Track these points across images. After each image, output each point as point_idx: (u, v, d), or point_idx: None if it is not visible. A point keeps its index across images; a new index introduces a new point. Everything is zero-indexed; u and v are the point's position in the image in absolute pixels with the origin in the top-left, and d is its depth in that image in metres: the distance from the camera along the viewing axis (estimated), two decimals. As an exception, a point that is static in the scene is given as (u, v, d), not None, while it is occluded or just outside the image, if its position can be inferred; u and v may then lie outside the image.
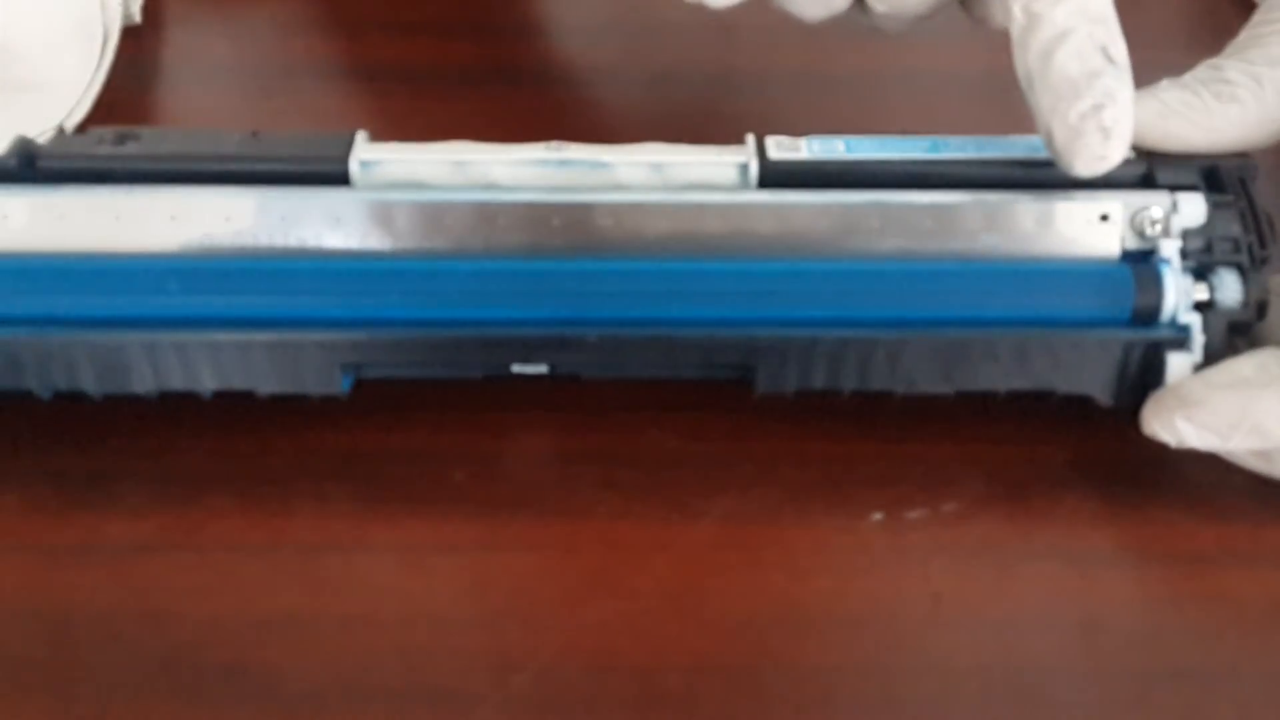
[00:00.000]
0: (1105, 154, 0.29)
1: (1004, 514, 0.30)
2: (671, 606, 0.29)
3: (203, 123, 0.43)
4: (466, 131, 0.33)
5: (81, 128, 0.40)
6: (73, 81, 0.41)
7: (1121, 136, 0.29)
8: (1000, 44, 0.48)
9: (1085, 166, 0.29)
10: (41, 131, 0.40)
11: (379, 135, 0.33)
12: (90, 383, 0.31)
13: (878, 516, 0.30)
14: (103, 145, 0.32)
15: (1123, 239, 0.31)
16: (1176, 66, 0.33)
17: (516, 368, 0.32)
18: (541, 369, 0.32)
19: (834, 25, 0.36)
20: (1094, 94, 0.28)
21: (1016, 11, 0.29)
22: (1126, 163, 0.32)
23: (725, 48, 0.47)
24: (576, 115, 0.44)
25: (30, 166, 0.31)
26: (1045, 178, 0.32)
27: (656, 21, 0.48)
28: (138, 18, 0.45)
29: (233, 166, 0.31)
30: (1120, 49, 0.29)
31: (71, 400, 0.31)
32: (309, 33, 0.46)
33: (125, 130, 0.32)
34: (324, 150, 0.32)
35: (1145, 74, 0.45)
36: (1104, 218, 0.31)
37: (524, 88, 0.44)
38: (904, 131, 0.33)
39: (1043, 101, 0.29)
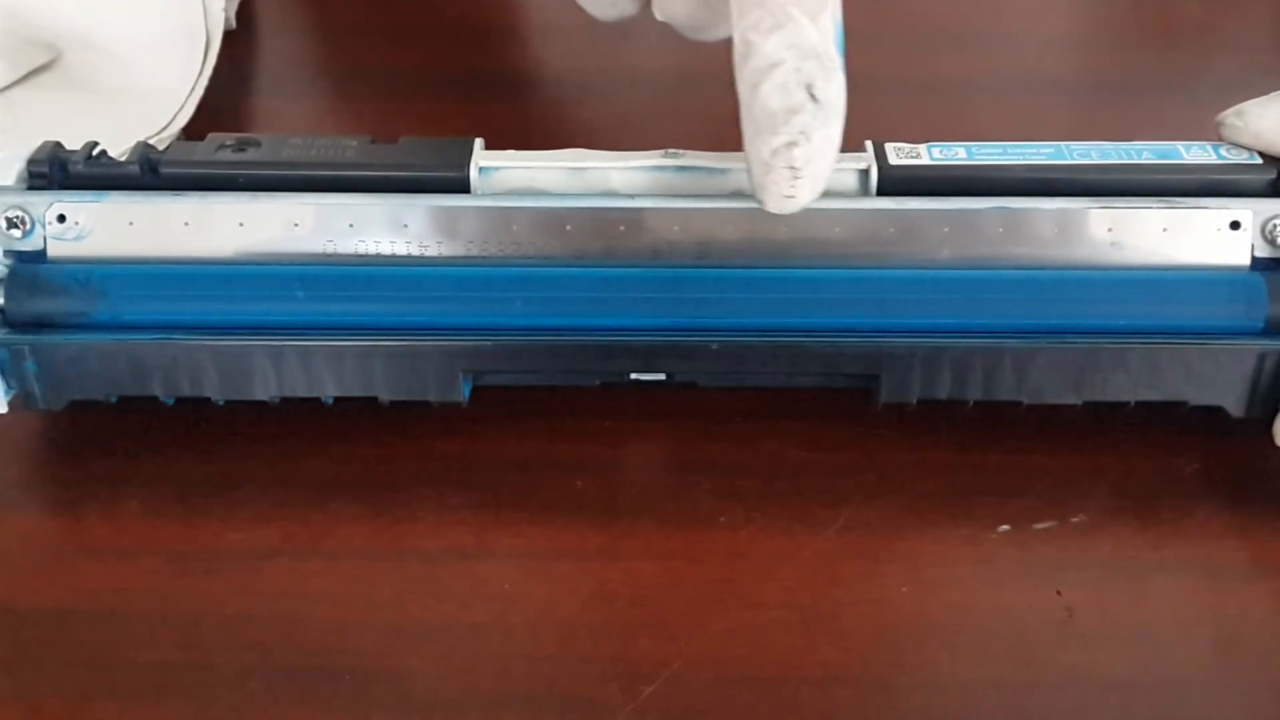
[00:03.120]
0: (793, 193, 0.28)
1: (1134, 526, 0.30)
2: (799, 617, 0.28)
3: (301, 127, 0.43)
4: (584, 138, 0.33)
5: (189, 133, 0.41)
6: (176, 87, 0.42)
7: (812, 178, 0.28)
8: (1082, 48, 0.48)
9: (774, 204, 0.28)
10: (151, 136, 0.40)
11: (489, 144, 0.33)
12: (214, 388, 0.31)
13: (1004, 528, 0.30)
14: (223, 152, 0.32)
15: (1253, 247, 0.31)
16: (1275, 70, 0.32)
17: (634, 375, 0.32)
18: (659, 377, 0.32)
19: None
20: (789, 131, 0.27)
21: (735, 37, 0.28)
22: (1256, 169, 0.31)
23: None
24: (655, 122, 0.44)
25: (153, 173, 0.32)
26: (1172, 184, 0.31)
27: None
28: (233, 23, 0.45)
29: (353, 173, 0.32)
30: (830, 88, 0.27)
31: (192, 406, 0.31)
32: (398, 38, 0.46)
33: (245, 137, 0.33)
34: (443, 157, 0.32)
35: (1247, 79, 0.45)
36: (1234, 225, 0.31)
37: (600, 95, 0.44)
38: (990, 137, 0.32)
39: (746, 132, 0.28)
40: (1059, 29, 0.48)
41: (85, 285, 0.31)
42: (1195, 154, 0.32)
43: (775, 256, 0.31)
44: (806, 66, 0.27)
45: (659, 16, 0.32)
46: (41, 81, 0.43)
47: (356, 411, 0.32)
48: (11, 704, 0.27)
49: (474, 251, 0.31)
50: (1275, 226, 0.30)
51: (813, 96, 0.27)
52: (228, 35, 0.44)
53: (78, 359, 0.31)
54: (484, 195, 0.32)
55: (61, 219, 0.31)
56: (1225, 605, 0.29)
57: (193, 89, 0.42)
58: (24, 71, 0.42)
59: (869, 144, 0.32)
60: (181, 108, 0.41)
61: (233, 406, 0.31)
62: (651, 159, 0.32)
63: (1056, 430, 0.32)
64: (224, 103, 0.42)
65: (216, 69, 0.42)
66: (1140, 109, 0.43)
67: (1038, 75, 0.45)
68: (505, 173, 0.32)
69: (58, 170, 0.32)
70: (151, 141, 0.33)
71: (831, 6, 0.28)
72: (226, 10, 0.44)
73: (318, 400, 0.31)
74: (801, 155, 0.27)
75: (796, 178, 0.27)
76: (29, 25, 0.41)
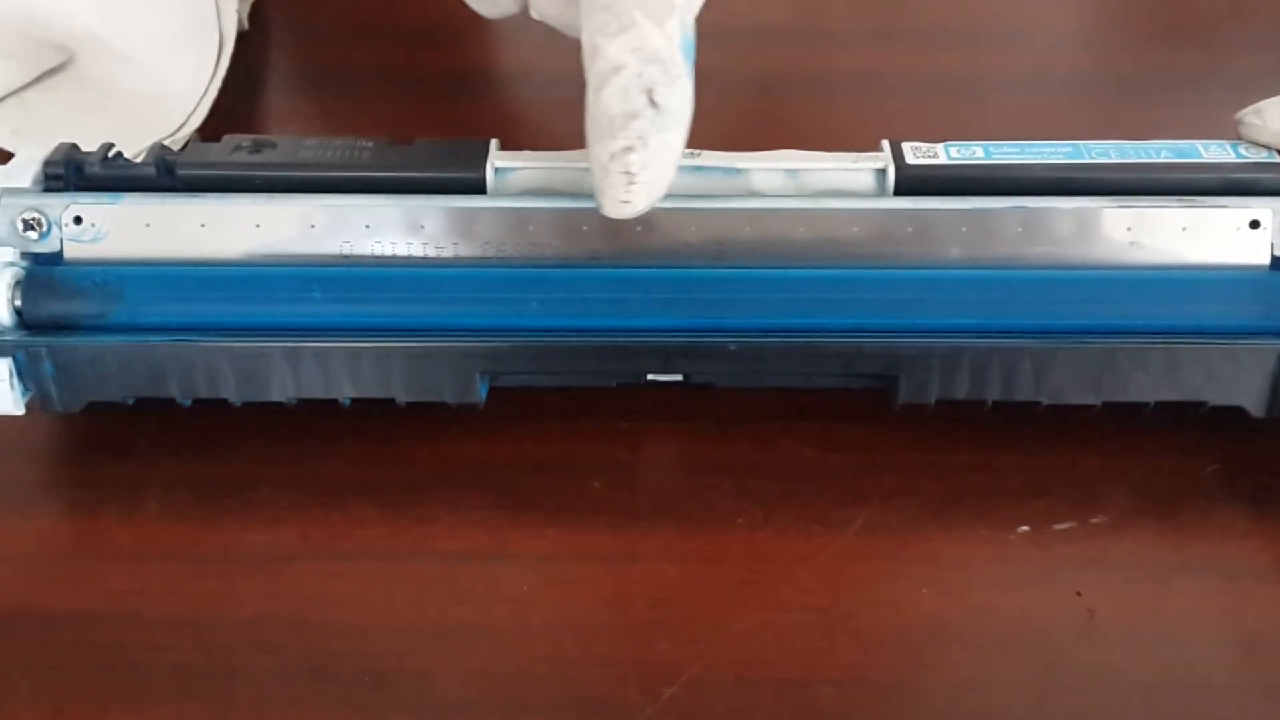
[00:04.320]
0: (629, 198, 0.27)
1: (1154, 527, 0.30)
2: (819, 619, 0.28)
3: (313, 129, 0.43)
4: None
5: (202, 135, 0.41)
6: (189, 88, 0.42)
7: (647, 184, 0.27)
8: (1097, 45, 0.48)
9: (610, 208, 0.28)
10: (164, 138, 0.40)
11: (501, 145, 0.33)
12: (231, 390, 0.31)
13: (1024, 529, 0.30)
14: (239, 154, 0.32)
15: (1273, 246, 0.31)
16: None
17: (652, 376, 0.32)
18: (676, 378, 0.32)
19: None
20: (626, 135, 0.27)
21: (584, 40, 0.28)
22: (1275, 168, 0.31)
23: (815, 52, 0.46)
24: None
25: (170, 174, 0.32)
26: (1191, 183, 0.31)
27: (760, 25, 0.48)
28: (245, 24, 0.45)
29: (369, 174, 0.31)
30: (674, 94, 0.27)
31: (209, 408, 0.31)
32: (411, 40, 0.46)
33: (261, 139, 0.33)
34: (459, 158, 0.32)
35: (1264, 77, 0.45)
36: (1254, 224, 0.30)
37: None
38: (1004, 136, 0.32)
39: (588, 135, 0.28)
40: (1073, 27, 0.48)
41: (102, 287, 0.31)
42: (1214, 153, 0.32)
43: (793, 257, 0.31)
44: (649, 71, 0.27)
45: (534, 15, 0.32)
46: (55, 83, 0.42)
47: (373, 413, 0.32)
48: (32, 706, 0.27)
49: (490, 252, 0.31)
50: (1296, 226, 0.30)
51: (653, 102, 0.27)
52: (240, 37, 0.44)
53: (95, 361, 0.31)
54: (500, 196, 0.32)
55: (78, 221, 0.31)
56: (1246, 606, 0.28)
57: (206, 90, 0.42)
58: (37, 73, 0.42)
59: (886, 143, 0.32)
60: (195, 109, 0.41)
61: (249, 408, 0.31)
62: (668, 159, 0.32)
63: (1075, 431, 0.32)
64: (237, 104, 0.42)
65: (229, 70, 0.42)
66: (1156, 107, 0.43)
67: (1052, 73, 0.45)
68: (521, 173, 0.32)
69: (74, 172, 0.32)
70: (166, 143, 0.33)
71: (680, 12, 0.27)
72: (239, 12, 0.44)
73: (335, 402, 0.31)
74: (638, 160, 0.27)
75: (632, 183, 0.27)
76: (42, 27, 0.41)
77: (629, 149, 0.27)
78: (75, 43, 0.42)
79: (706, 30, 0.48)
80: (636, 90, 0.27)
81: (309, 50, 0.47)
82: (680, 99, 0.27)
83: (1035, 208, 0.31)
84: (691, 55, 0.28)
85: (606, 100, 0.27)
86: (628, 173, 0.27)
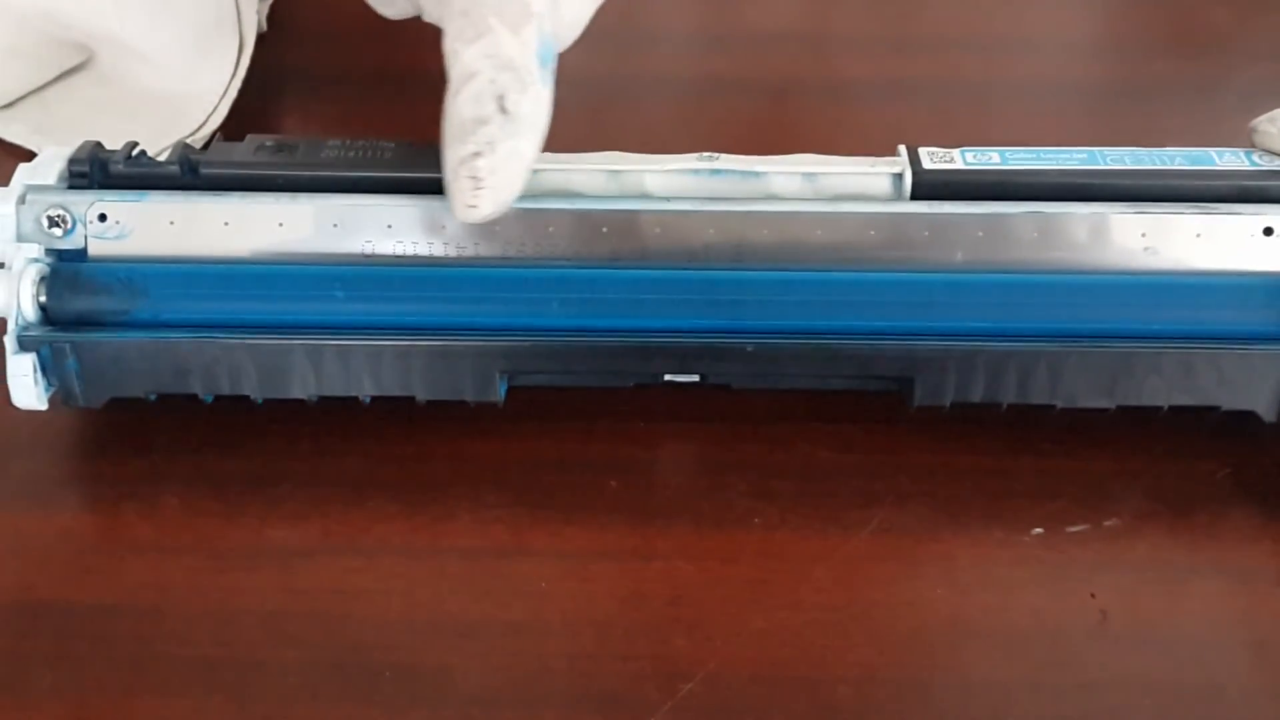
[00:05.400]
0: (475, 203, 0.28)
1: (1167, 530, 0.30)
2: (835, 618, 0.29)
3: (332, 129, 0.43)
4: (616, 141, 0.33)
5: (222, 135, 0.41)
6: (209, 88, 0.42)
7: (495, 189, 0.28)
8: (1108, 54, 0.48)
9: (458, 213, 0.28)
10: (184, 137, 0.41)
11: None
12: (253, 386, 0.31)
13: (1038, 531, 0.30)
14: (262, 153, 0.32)
15: (1286, 253, 0.31)
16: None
17: (669, 377, 0.32)
18: (693, 378, 0.32)
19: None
20: (475, 141, 0.27)
21: (445, 46, 0.28)
22: (1290, 175, 0.31)
23: (830, 58, 0.47)
24: (686, 126, 0.44)
25: (194, 173, 0.32)
26: (1206, 190, 0.31)
27: (775, 31, 0.48)
28: (264, 25, 0.45)
29: (391, 175, 0.32)
30: (525, 101, 0.27)
31: (231, 404, 0.32)
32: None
33: (283, 139, 0.33)
34: (480, 159, 0.32)
35: (1275, 85, 0.45)
36: (1267, 231, 0.31)
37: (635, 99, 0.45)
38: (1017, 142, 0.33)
39: (443, 139, 0.28)
40: (1085, 35, 0.48)
41: (126, 284, 0.31)
42: (1228, 160, 0.32)
43: (810, 259, 0.31)
44: (501, 78, 0.27)
45: (425, 19, 0.33)
46: (75, 82, 0.43)
47: (393, 411, 0.32)
48: (55, 700, 0.27)
49: (511, 253, 0.31)
50: (1308, 233, 0.31)
51: (503, 108, 0.27)
52: (259, 38, 0.44)
53: (118, 357, 0.31)
54: (521, 197, 0.32)
55: (102, 218, 0.31)
56: (1259, 609, 0.29)
57: (225, 91, 0.42)
58: (58, 72, 0.42)
59: (902, 148, 0.33)
60: (215, 109, 0.42)
61: (271, 405, 0.32)
62: (687, 162, 0.32)
63: (1089, 434, 0.32)
64: (256, 105, 0.43)
65: (249, 71, 0.43)
66: (1168, 115, 0.43)
67: (1065, 81, 0.45)
68: (541, 175, 0.32)
69: (98, 170, 0.32)
70: (188, 142, 0.34)
71: (539, 19, 0.28)
72: (259, 13, 0.44)
73: (355, 399, 0.31)
74: (485, 166, 0.27)
75: (478, 188, 0.27)
76: (63, 27, 0.41)
77: (477, 154, 0.27)
78: (95, 42, 0.42)
79: (722, 36, 0.49)
80: (488, 96, 0.27)
81: (328, 52, 0.47)
82: (532, 106, 0.27)
83: (1051, 213, 0.31)
84: (550, 63, 0.28)
85: (459, 105, 0.27)
86: (474, 178, 0.27)
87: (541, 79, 0.28)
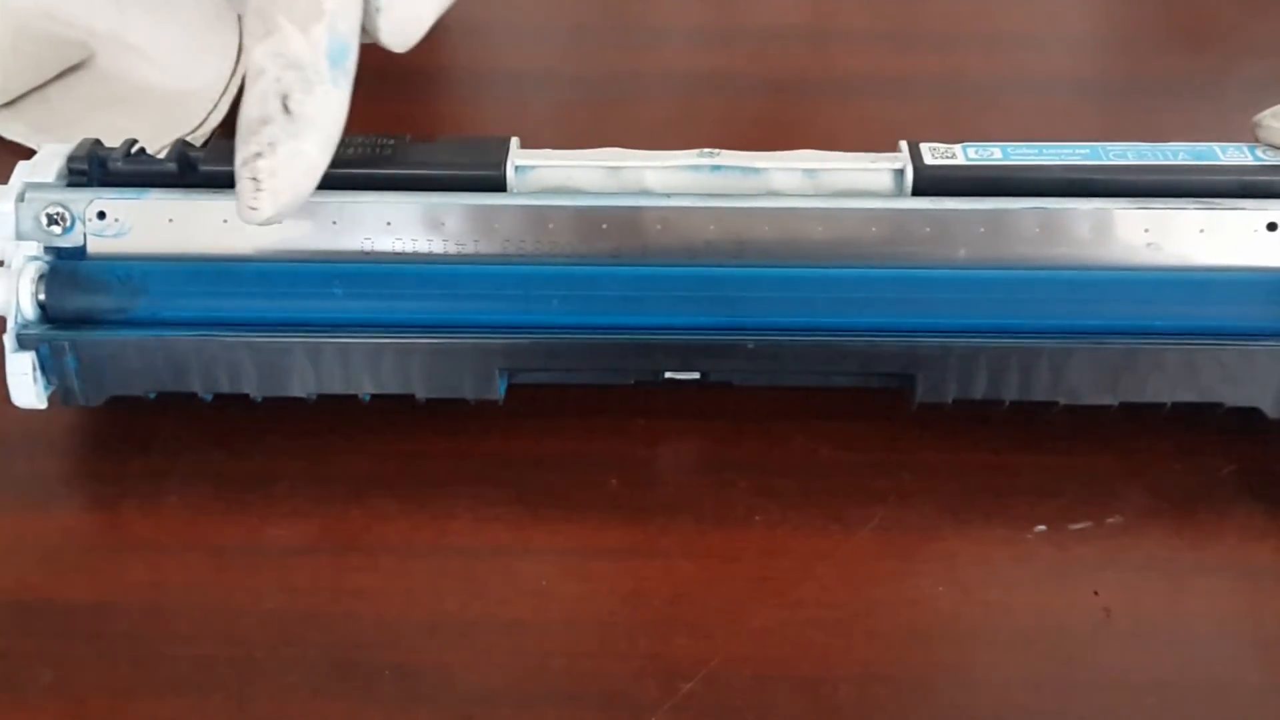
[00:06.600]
0: (255, 205, 0.27)
1: (1171, 527, 0.30)
2: (836, 616, 0.28)
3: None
4: (617, 137, 0.33)
5: (223, 132, 0.41)
6: (209, 86, 0.42)
7: (275, 191, 0.27)
8: (1111, 49, 0.48)
9: (240, 213, 0.27)
10: (183, 135, 0.40)
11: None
12: (252, 385, 0.31)
13: (1041, 528, 0.30)
14: (261, 150, 0.32)
15: (1290, 248, 0.31)
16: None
17: (670, 374, 0.32)
18: (694, 376, 0.32)
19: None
20: (257, 141, 0.27)
21: (243, 43, 0.28)
22: (1293, 170, 0.31)
23: (831, 54, 0.47)
24: (688, 122, 0.44)
25: (192, 170, 0.32)
26: (1209, 185, 0.31)
27: (775, 27, 0.48)
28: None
29: (391, 171, 0.32)
30: (310, 101, 0.27)
31: (230, 402, 0.31)
32: (430, 38, 0.46)
33: (282, 136, 0.33)
34: (480, 156, 0.32)
35: (1279, 81, 0.45)
36: (1271, 226, 0.31)
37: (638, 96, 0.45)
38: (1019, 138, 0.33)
39: (235, 140, 0.27)
40: (1087, 30, 0.48)
41: (125, 282, 0.31)
42: (1231, 155, 0.32)
43: (811, 256, 0.31)
44: (287, 77, 0.27)
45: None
46: (76, 80, 0.43)
47: (393, 409, 0.32)
48: (54, 698, 0.27)
49: (510, 250, 0.31)
50: (1313, 227, 0.31)
51: (286, 108, 0.27)
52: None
53: (117, 355, 0.31)
54: (520, 194, 0.32)
55: (101, 216, 0.31)
56: (1263, 607, 0.28)
57: (225, 89, 0.42)
58: (58, 70, 0.42)
59: (904, 144, 0.32)
60: (214, 108, 0.42)
61: (270, 404, 0.31)
62: (687, 158, 0.32)
63: (1092, 431, 0.32)
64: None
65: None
66: (1170, 110, 0.43)
67: (1066, 76, 0.45)
68: (541, 171, 0.32)
69: (97, 167, 0.32)
70: (188, 140, 0.34)
71: (331, 18, 0.27)
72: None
73: (355, 397, 0.31)
74: (266, 167, 0.27)
75: (259, 189, 0.27)
76: (63, 24, 0.41)
77: (258, 154, 0.27)
78: (96, 40, 0.42)
79: (723, 31, 0.48)
80: (272, 95, 0.27)
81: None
82: (318, 107, 0.27)
83: (1053, 209, 0.31)
84: (344, 63, 0.27)
85: (246, 105, 0.27)
86: (255, 179, 0.27)
87: (332, 79, 0.27)
